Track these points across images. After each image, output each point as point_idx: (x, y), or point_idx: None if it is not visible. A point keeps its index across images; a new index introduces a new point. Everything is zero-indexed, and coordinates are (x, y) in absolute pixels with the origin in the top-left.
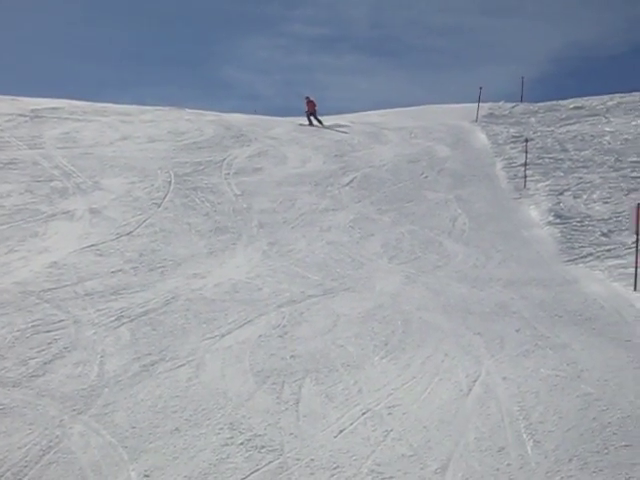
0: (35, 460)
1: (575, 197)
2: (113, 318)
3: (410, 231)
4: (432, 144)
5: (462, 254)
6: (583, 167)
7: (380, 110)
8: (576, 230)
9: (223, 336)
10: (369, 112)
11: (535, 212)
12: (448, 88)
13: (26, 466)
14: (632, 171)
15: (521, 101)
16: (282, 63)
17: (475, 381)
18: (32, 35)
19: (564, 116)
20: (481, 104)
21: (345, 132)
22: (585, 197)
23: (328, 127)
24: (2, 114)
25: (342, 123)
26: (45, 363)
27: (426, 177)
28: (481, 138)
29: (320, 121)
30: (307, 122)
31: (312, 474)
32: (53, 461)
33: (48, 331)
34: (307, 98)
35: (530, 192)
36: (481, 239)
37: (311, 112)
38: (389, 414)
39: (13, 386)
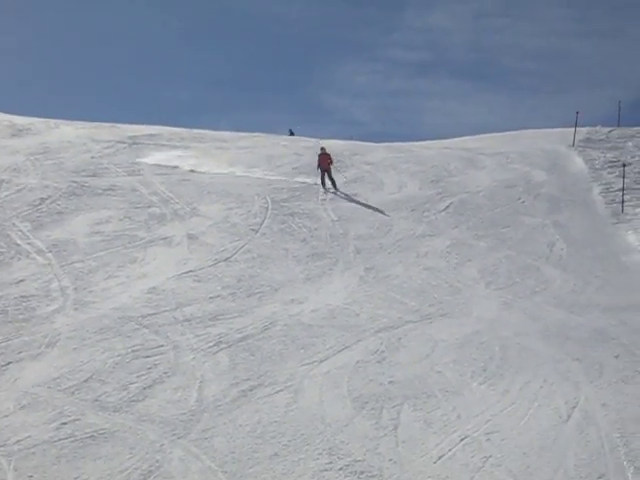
0: None
1: None
2: (212, 344)
3: (507, 256)
4: (529, 169)
5: (560, 279)
6: None
7: (476, 135)
8: None
9: (321, 362)
10: (465, 137)
11: (633, 237)
12: (544, 112)
13: None
14: None
15: (618, 125)
16: (379, 88)
17: (574, 407)
18: (130, 61)
19: None
20: (578, 128)
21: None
22: None
23: (347, 194)
24: (101, 141)
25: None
26: (145, 388)
27: (523, 202)
28: (578, 163)
29: (334, 182)
30: (320, 182)
31: None
32: None
33: (147, 356)
34: (322, 150)
35: (628, 217)
36: (579, 264)
37: (325, 168)
38: (488, 440)
39: (114, 411)
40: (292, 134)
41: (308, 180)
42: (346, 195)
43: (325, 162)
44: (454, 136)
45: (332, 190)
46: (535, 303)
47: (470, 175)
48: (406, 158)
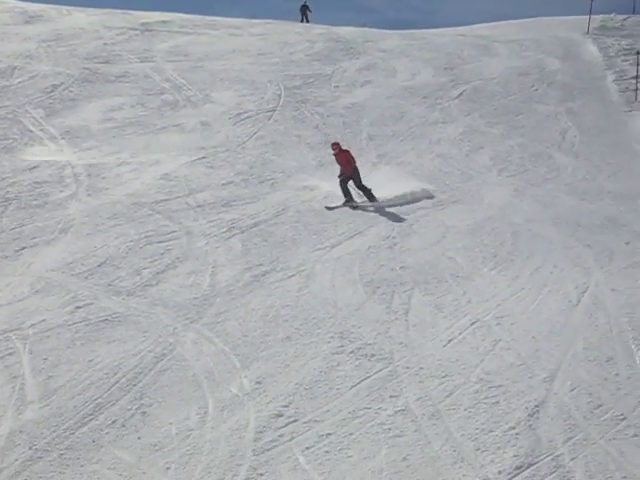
0: (149, 367)
1: None
2: (224, 229)
3: (520, 144)
4: (542, 57)
5: (572, 167)
6: None
7: (491, 23)
8: None
9: (333, 247)
10: (480, 25)
11: None
12: (559, 0)
13: (140, 372)
14: None
15: (633, 13)
16: None
17: (584, 292)
18: None
19: None
20: (592, 16)
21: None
22: None
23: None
24: (113, 28)
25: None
26: (158, 273)
27: (536, 90)
28: (592, 51)
29: (368, 191)
30: (346, 196)
31: (421, 382)
32: (167, 368)
33: (160, 242)
34: (336, 148)
35: None
36: (591, 152)
37: (349, 174)
38: (498, 324)
39: (127, 295)
40: (306, 7)
41: (322, 68)
42: (360, 82)
43: (347, 163)
44: (469, 24)
45: (371, 207)
46: (547, 190)
47: (484, 62)
48: (419, 45)
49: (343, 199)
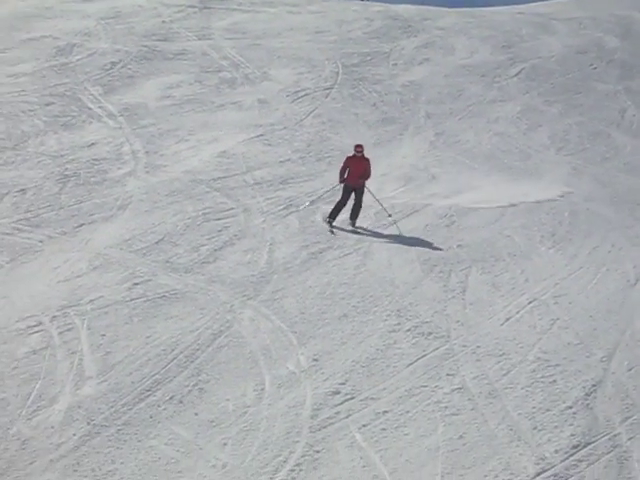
0: (207, 343)
1: None
2: (282, 207)
3: (578, 122)
4: (601, 35)
5: (631, 146)
6: None
7: (549, 0)
8: None
9: (390, 225)
10: (538, 3)
11: None
12: None
13: (198, 349)
14: None
15: None
16: None
17: None
18: None
19: None
20: None
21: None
22: None
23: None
24: (171, 5)
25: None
26: (215, 250)
27: (595, 68)
28: None
29: (357, 211)
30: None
31: (478, 360)
32: (224, 344)
33: (218, 219)
34: (357, 151)
35: None
36: None
37: (354, 185)
38: (555, 303)
39: (185, 272)
40: None
41: (379, 46)
42: (418, 60)
43: (358, 172)
44: (527, 2)
45: (349, 228)
46: (605, 169)
47: (542, 40)
48: (477, 23)
49: (333, 212)
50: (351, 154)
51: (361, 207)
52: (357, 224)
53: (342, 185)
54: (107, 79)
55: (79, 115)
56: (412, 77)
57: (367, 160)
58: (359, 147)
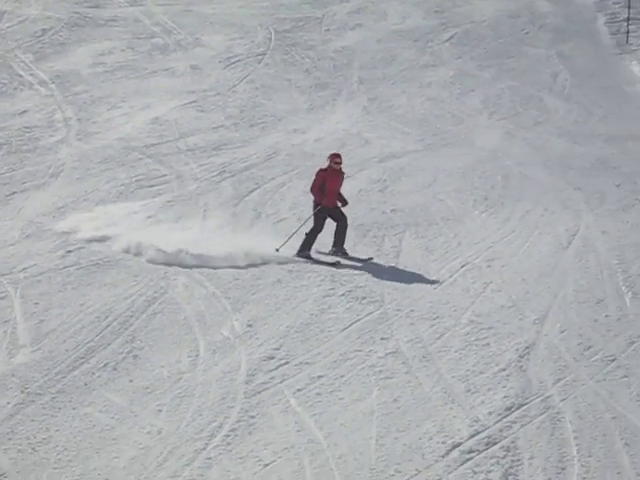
0: (141, 310)
1: None
2: (215, 173)
3: (510, 87)
4: None
5: (563, 110)
6: None
7: None
8: None
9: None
10: None
11: (637, 68)
12: None
13: (132, 316)
14: None
15: None
16: None
17: (574, 235)
18: None
19: None
20: None
21: None
22: None
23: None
24: None
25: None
26: (149, 217)
27: (527, 33)
28: None
29: (341, 239)
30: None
31: (412, 324)
32: (158, 311)
33: (151, 186)
34: (333, 161)
35: (633, 48)
36: (582, 95)
37: (332, 204)
38: (488, 267)
39: None
40: None
41: (312, 11)
42: (350, 26)
43: (335, 190)
44: None
45: (334, 259)
46: (538, 133)
47: (474, 5)
48: None
49: (306, 243)
50: (325, 167)
51: (347, 227)
52: (345, 251)
53: (315, 210)
54: (38, 46)
55: (10, 83)
56: (345, 42)
57: (343, 174)
58: (337, 158)
